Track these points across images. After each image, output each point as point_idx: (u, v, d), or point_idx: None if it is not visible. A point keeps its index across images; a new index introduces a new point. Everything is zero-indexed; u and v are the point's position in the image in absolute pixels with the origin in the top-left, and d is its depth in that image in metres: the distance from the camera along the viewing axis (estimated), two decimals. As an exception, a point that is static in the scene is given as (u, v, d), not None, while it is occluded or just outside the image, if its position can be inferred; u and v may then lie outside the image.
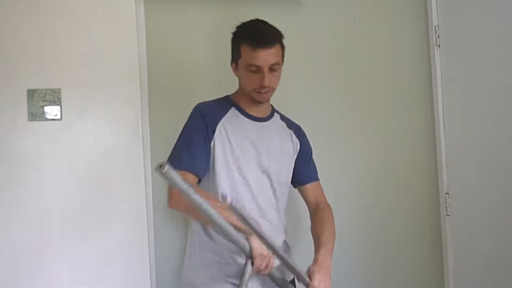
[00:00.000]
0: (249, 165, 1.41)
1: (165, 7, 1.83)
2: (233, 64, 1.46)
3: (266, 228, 1.30)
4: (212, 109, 1.45)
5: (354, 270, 1.98)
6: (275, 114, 1.56)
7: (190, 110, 1.47)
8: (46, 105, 1.61)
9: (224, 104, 1.48)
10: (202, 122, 1.40)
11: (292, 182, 1.58)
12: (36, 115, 1.61)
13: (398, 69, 2.07)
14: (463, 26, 1.89)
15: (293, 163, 1.55)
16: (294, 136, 1.56)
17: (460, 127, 1.92)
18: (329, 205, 1.58)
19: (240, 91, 1.49)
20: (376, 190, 2.02)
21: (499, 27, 1.72)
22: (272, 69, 1.39)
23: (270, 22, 1.93)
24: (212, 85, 1.80)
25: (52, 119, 1.62)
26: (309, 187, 1.58)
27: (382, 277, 2.01)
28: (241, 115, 1.46)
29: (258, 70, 1.37)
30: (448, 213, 1.97)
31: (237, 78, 1.49)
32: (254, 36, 1.38)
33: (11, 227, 1.57)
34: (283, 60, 1.45)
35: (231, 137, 1.41)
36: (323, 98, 1.99)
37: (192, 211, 1.27)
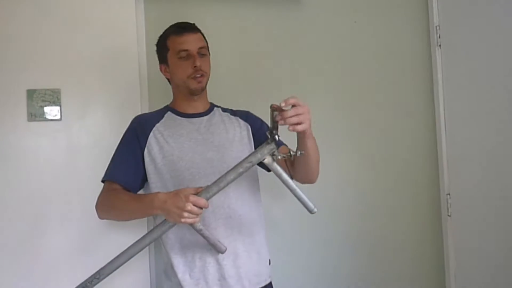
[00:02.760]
0: (194, 162, 1.36)
1: (165, 8, 1.83)
2: (163, 66, 1.48)
3: (225, 223, 1.32)
4: (147, 118, 1.45)
5: (355, 271, 1.97)
6: (215, 108, 1.53)
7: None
8: (45, 105, 1.61)
9: (160, 112, 1.48)
10: (133, 133, 1.40)
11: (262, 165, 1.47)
12: (36, 115, 1.61)
13: (399, 69, 2.07)
14: (464, 26, 1.88)
15: (252, 146, 1.47)
16: (241, 120, 1.51)
17: (461, 127, 1.91)
18: None
19: (175, 92, 1.49)
20: (377, 191, 2.02)
21: (500, 27, 1.71)
22: (200, 52, 1.42)
23: (270, 22, 1.94)
24: (211, 85, 1.80)
25: (51, 120, 1.62)
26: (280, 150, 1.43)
27: (383, 278, 2.00)
28: (177, 117, 1.45)
29: (187, 56, 1.41)
30: (449, 214, 1.96)
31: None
32: (177, 26, 1.45)
33: (10, 227, 1.57)
34: (209, 52, 1.49)
35: (169, 139, 1.38)
36: (323, 98, 1.98)
37: (117, 209, 1.32)
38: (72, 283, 1.59)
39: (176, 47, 1.41)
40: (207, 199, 1.17)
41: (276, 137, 1.12)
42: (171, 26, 1.46)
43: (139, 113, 1.66)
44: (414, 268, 2.04)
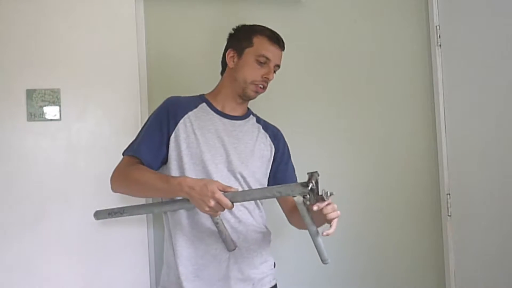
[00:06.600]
0: (214, 160, 1.36)
1: (165, 7, 1.83)
2: (232, 52, 1.45)
3: (234, 228, 1.35)
4: (181, 102, 1.43)
5: (355, 270, 1.98)
6: (251, 115, 1.52)
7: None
8: (45, 105, 1.61)
9: (195, 100, 1.46)
10: (165, 113, 1.39)
11: None
12: (35, 115, 1.60)
13: (399, 69, 2.07)
14: (464, 26, 1.88)
15: (269, 168, 1.48)
16: (269, 139, 1.50)
17: (461, 127, 1.91)
18: None
19: (226, 86, 1.47)
20: (377, 190, 2.01)
21: (500, 26, 1.71)
22: (275, 70, 1.45)
23: (270, 22, 1.93)
24: (212, 84, 1.80)
25: (51, 119, 1.62)
26: None
27: (383, 278, 2.01)
28: (211, 111, 1.44)
29: (266, 63, 1.41)
30: (449, 214, 1.97)
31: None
32: (273, 34, 1.45)
33: (10, 227, 1.57)
34: None
35: (197, 131, 1.37)
36: (323, 98, 1.98)
37: (135, 183, 1.30)
38: (71, 282, 1.60)
39: (262, 50, 1.41)
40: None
41: (310, 185, 1.13)
42: (264, 28, 1.45)
43: (139, 113, 1.67)
44: (414, 268, 2.04)
